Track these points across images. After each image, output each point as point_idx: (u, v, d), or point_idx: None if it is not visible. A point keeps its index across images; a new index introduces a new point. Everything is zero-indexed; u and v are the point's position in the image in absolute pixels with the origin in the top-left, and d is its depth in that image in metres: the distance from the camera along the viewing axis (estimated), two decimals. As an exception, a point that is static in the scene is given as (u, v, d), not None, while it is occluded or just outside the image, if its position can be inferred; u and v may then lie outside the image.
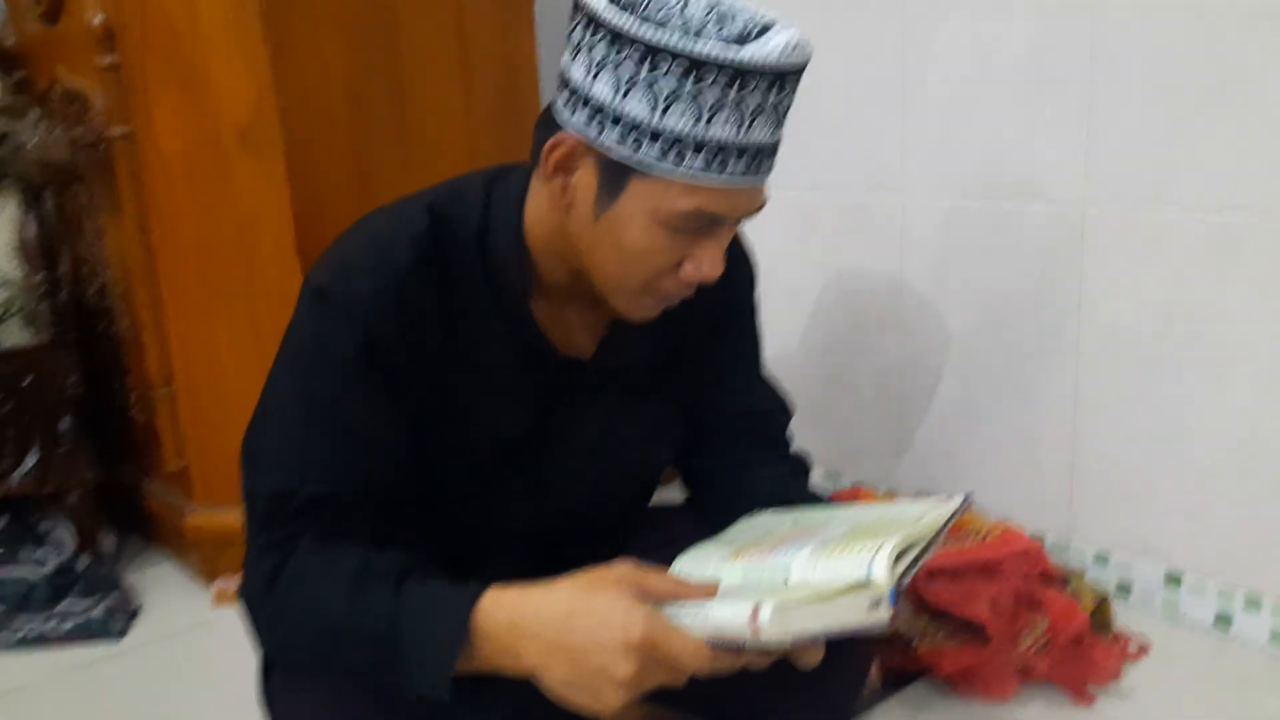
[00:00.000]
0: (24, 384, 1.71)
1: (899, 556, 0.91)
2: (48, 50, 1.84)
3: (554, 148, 0.92)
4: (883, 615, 0.86)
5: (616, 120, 0.87)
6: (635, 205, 0.90)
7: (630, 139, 0.87)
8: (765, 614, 0.80)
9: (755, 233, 2.04)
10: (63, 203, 1.88)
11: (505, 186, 1.02)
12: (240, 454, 0.98)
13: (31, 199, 1.71)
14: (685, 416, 1.19)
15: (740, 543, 1.05)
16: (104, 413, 1.94)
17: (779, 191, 1.96)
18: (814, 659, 0.88)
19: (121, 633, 1.65)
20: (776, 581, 0.95)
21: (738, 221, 0.96)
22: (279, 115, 1.59)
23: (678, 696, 1.21)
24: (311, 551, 0.92)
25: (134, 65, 1.62)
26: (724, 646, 0.83)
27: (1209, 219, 1.40)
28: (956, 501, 1.01)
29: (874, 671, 1.34)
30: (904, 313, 1.79)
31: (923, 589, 1.38)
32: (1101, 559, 1.61)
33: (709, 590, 0.89)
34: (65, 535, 1.83)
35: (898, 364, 1.81)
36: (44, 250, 1.74)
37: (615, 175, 0.90)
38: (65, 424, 1.77)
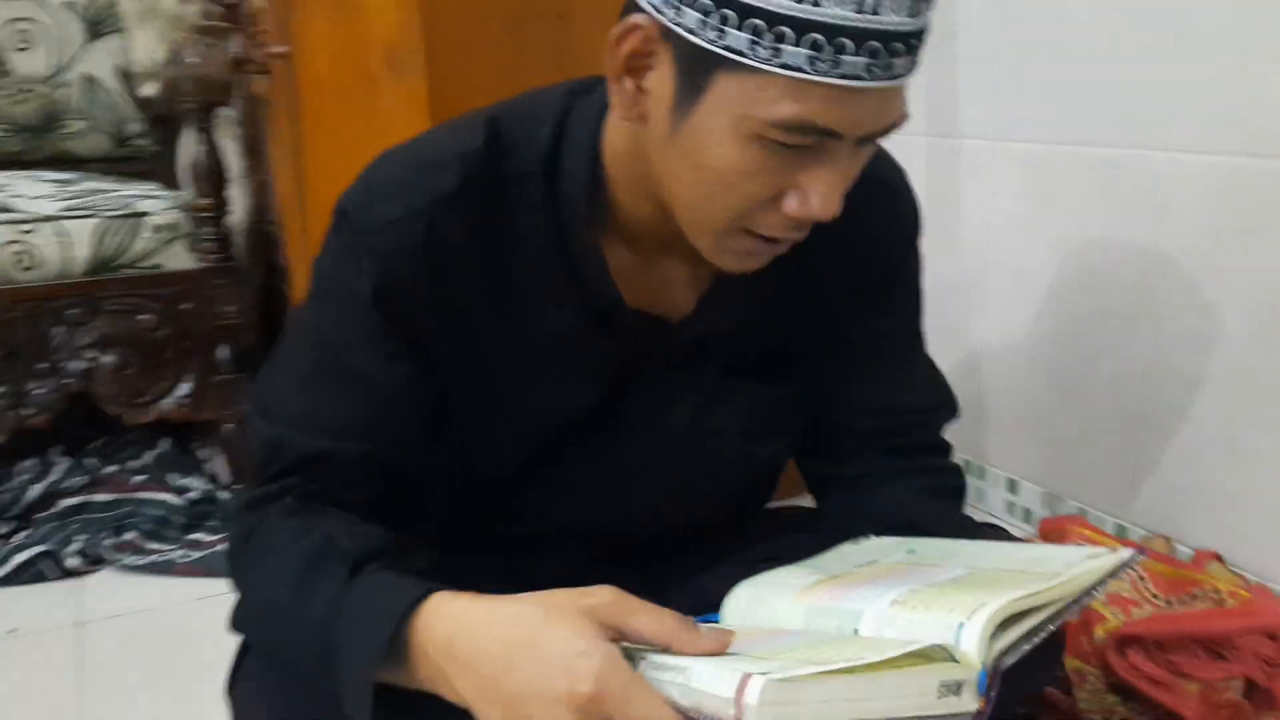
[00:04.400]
0: (183, 308, 1.70)
1: (1006, 624, 0.64)
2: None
3: (624, 36, 0.71)
4: (967, 706, 0.60)
5: None
6: (720, 111, 0.68)
7: (714, 19, 0.65)
8: (754, 690, 0.56)
9: (978, 197, 1.71)
10: (237, 124, 1.87)
11: (590, 101, 0.82)
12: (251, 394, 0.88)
13: (202, 119, 1.70)
14: (806, 405, 0.95)
15: (828, 573, 0.81)
16: (269, 344, 1.92)
17: (1008, 145, 1.66)
18: None
19: (242, 572, 1.61)
20: (842, 631, 0.71)
21: (865, 141, 0.70)
22: (423, 35, 1.47)
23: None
24: (285, 516, 0.79)
25: (292, -17, 1.57)
26: None
27: None
28: (1119, 557, 0.72)
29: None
30: (1159, 303, 1.42)
31: (1114, 660, 1.05)
32: (1401, 653, 1.20)
33: (720, 640, 0.64)
34: (220, 466, 1.83)
35: (1145, 367, 1.45)
36: (210, 173, 1.72)
37: (696, 69, 0.68)
38: (223, 352, 1.76)
